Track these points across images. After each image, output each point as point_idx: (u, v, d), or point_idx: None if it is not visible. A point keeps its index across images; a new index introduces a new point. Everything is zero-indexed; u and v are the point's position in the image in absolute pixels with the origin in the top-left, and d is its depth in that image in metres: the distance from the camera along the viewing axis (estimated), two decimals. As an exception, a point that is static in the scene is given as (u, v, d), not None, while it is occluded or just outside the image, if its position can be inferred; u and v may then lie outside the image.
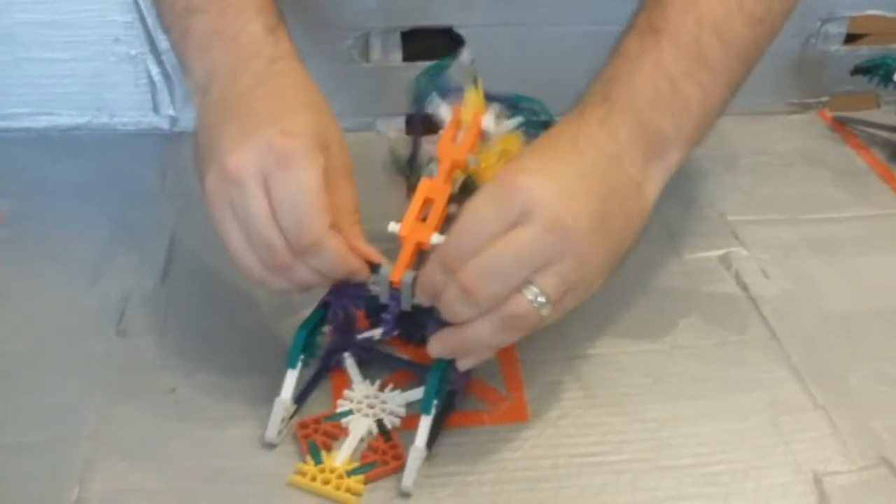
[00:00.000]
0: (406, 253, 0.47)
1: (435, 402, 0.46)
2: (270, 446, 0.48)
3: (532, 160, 0.45)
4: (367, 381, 0.51)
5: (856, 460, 0.49)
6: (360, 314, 0.52)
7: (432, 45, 0.77)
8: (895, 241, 0.67)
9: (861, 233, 0.68)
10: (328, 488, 0.45)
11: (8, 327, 0.56)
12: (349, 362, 0.52)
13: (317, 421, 0.49)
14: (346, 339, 0.52)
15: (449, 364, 0.46)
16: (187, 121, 0.78)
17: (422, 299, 0.45)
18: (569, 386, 0.54)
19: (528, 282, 0.42)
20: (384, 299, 0.47)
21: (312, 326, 0.49)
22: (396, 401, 0.50)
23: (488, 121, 0.54)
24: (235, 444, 0.48)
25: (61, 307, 0.58)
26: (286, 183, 0.43)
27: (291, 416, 0.49)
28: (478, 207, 0.43)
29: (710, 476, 0.48)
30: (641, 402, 0.53)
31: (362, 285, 0.48)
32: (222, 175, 0.44)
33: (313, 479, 0.45)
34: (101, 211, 0.68)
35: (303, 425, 0.48)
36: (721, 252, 0.65)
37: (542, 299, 0.42)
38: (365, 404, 0.50)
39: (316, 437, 0.48)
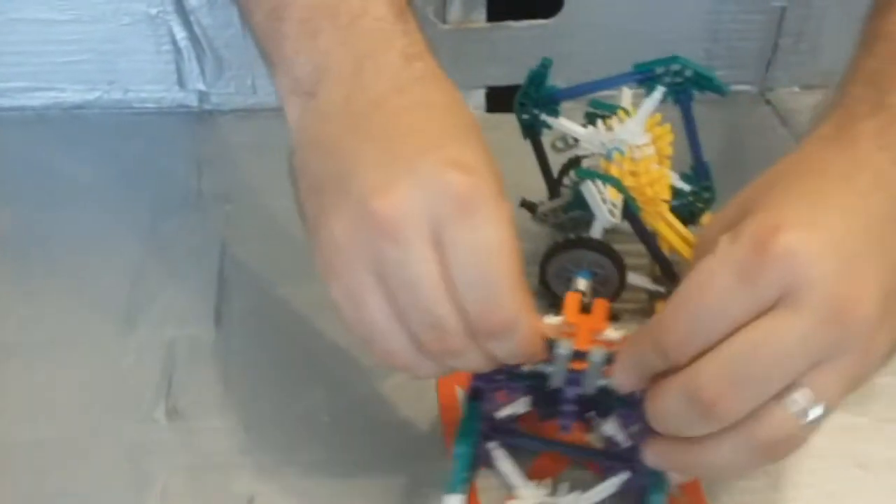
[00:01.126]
0: (584, 330, 0.35)
1: None
2: None
3: (791, 207, 0.31)
4: (533, 483, 0.39)
5: None
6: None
7: (523, 1, 0.62)
8: None
9: None
10: None
11: (16, 403, 0.43)
12: (500, 457, 0.39)
13: None
14: (490, 426, 0.39)
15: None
16: (220, 97, 0.63)
17: (622, 385, 0.34)
18: (752, 481, 0.42)
19: (791, 389, 0.30)
20: (558, 382, 0.35)
21: (474, 434, 0.37)
22: None
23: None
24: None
25: (87, 373, 0.44)
26: (472, 240, 0.31)
27: None
28: (716, 277, 0.30)
29: None
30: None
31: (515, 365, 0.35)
32: (368, 223, 0.31)
33: None
34: (124, 222, 0.53)
35: None
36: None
37: (815, 410, 0.30)
38: None
39: None
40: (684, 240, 0.46)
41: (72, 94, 0.61)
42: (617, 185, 0.42)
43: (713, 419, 0.30)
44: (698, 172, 0.48)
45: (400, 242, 0.31)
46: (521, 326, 0.32)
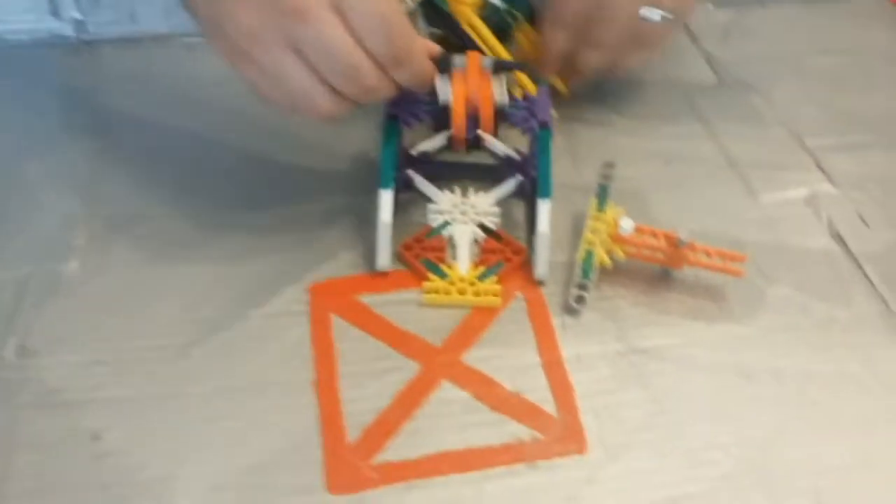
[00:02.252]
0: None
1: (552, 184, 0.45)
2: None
3: None
4: (447, 192, 0.48)
5: None
6: None
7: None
8: None
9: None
10: (469, 297, 0.44)
11: None
12: (419, 179, 0.48)
13: (418, 240, 0.46)
14: (406, 156, 0.49)
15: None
16: (97, 26, 0.59)
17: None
18: (632, 395, 0.40)
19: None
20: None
21: (395, 142, 0.46)
22: (486, 201, 0.48)
23: None
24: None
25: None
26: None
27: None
28: None
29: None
30: (736, 416, 0.40)
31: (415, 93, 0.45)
32: (279, 11, 0.37)
33: (447, 292, 0.44)
34: (-13, 159, 0.51)
35: (407, 247, 0.46)
36: (806, 191, 0.51)
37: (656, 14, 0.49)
38: (457, 212, 0.47)
39: (426, 255, 0.46)
40: (486, 43, 0.52)
41: (-66, 27, 0.58)
42: None
43: None
44: None
45: (311, 20, 0.37)
46: (417, 48, 0.40)
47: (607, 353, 0.42)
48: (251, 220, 0.48)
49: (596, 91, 0.56)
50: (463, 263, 0.45)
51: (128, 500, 0.35)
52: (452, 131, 0.45)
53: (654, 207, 0.50)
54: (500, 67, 0.46)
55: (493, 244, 0.46)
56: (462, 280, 0.44)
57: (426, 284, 0.44)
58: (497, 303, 0.43)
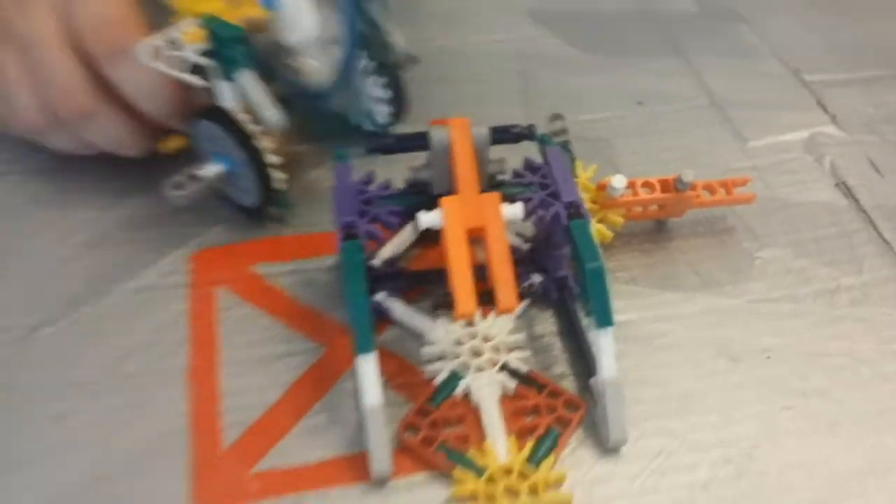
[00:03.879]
0: None
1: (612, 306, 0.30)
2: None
3: None
4: (440, 317, 0.33)
5: None
6: None
7: None
8: None
9: None
10: (524, 500, 0.28)
11: None
12: (396, 308, 0.33)
13: (423, 413, 0.30)
14: (372, 277, 0.32)
15: None
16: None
17: None
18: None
19: None
20: None
21: (363, 280, 0.29)
22: (500, 328, 0.32)
23: None
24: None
25: None
26: None
27: None
28: None
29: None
30: (717, 408, 0.31)
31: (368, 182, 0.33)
32: None
33: (491, 499, 0.28)
34: None
35: (409, 425, 0.30)
36: (804, 134, 0.43)
37: None
38: (466, 351, 0.32)
39: (441, 437, 0.30)
40: None
41: None
42: None
43: None
44: None
45: (27, 14, 0.33)
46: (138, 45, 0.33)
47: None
48: (120, 169, 0.39)
49: (552, 21, 0.47)
50: (501, 443, 0.29)
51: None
52: (456, 309, 0.27)
53: (623, 157, 0.41)
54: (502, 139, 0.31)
55: (531, 396, 0.31)
56: (507, 471, 0.29)
57: (456, 490, 0.29)
58: (569, 500, 0.29)
